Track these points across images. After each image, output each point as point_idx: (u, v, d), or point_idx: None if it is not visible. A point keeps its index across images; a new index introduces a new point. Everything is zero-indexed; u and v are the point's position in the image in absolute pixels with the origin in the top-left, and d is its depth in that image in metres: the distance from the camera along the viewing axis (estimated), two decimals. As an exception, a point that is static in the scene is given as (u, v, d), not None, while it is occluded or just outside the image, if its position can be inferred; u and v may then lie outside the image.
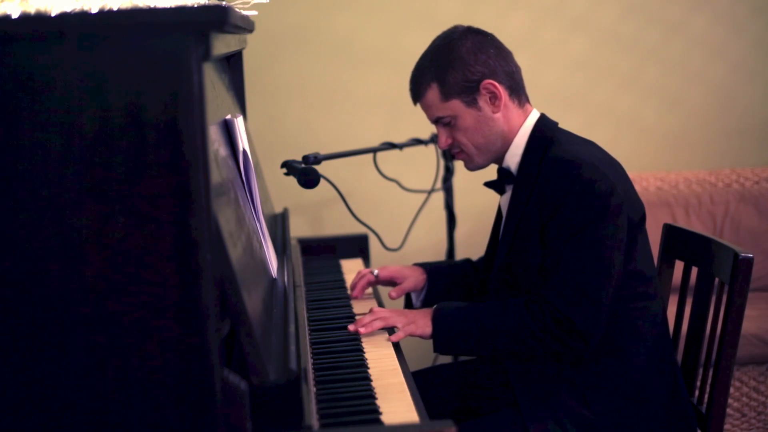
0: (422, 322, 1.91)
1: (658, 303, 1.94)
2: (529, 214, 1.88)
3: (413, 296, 2.22)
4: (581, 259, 1.80)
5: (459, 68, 1.90)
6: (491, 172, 2.06)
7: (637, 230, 1.88)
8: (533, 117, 1.97)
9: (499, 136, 1.94)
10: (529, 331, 1.82)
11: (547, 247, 1.85)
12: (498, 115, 1.93)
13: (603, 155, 1.91)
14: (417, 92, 1.98)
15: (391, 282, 2.22)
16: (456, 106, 1.92)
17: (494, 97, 1.92)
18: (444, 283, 2.21)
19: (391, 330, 1.94)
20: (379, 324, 1.92)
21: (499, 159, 1.98)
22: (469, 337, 1.87)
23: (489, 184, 2.02)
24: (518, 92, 1.96)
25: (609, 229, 1.80)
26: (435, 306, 1.94)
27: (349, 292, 2.25)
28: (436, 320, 1.90)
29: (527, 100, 1.99)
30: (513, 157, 1.95)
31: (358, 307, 2.14)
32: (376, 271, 2.20)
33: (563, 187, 1.82)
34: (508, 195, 1.99)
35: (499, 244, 2.00)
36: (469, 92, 1.91)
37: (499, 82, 1.92)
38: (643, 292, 1.90)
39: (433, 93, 1.93)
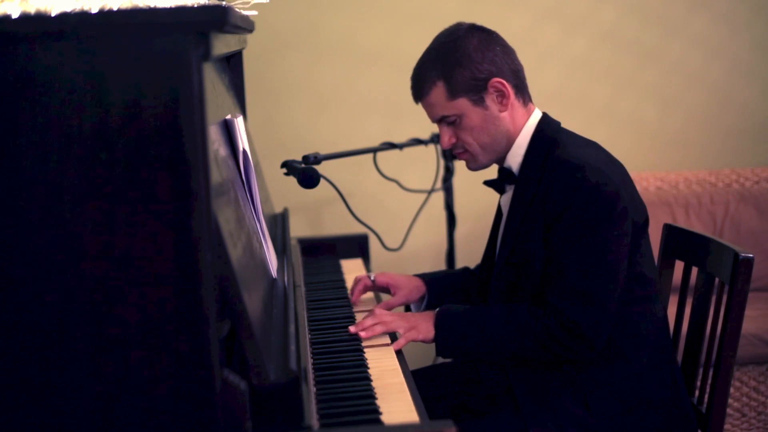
0: (424, 326, 1.89)
1: (658, 305, 1.93)
2: (532, 215, 1.87)
3: (413, 307, 2.19)
4: (587, 263, 1.79)
5: (467, 66, 1.87)
6: (492, 172, 2.05)
7: (640, 234, 1.87)
8: (536, 116, 1.95)
9: (504, 135, 1.92)
10: (533, 336, 1.81)
11: (551, 251, 1.83)
12: (504, 114, 1.90)
13: (607, 157, 1.90)
14: (420, 90, 1.93)
15: (387, 289, 2.18)
16: (463, 104, 1.89)
17: (502, 96, 1.89)
18: (443, 291, 2.18)
19: (392, 334, 1.92)
20: (380, 329, 1.90)
21: (500, 159, 1.96)
22: (472, 342, 1.86)
23: (489, 183, 2.01)
24: (523, 91, 1.94)
25: (614, 233, 1.79)
26: (437, 310, 1.92)
27: (349, 293, 2.25)
28: (438, 325, 1.89)
29: (530, 99, 1.97)
30: (515, 157, 1.93)
31: (358, 307, 2.14)
32: (373, 276, 2.17)
33: (568, 190, 1.80)
34: (508, 195, 1.97)
35: (500, 245, 1.99)
36: (477, 90, 1.88)
37: (507, 80, 1.89)
38: (644, 295, 1.89)
39: (438, 91, 1.89)
